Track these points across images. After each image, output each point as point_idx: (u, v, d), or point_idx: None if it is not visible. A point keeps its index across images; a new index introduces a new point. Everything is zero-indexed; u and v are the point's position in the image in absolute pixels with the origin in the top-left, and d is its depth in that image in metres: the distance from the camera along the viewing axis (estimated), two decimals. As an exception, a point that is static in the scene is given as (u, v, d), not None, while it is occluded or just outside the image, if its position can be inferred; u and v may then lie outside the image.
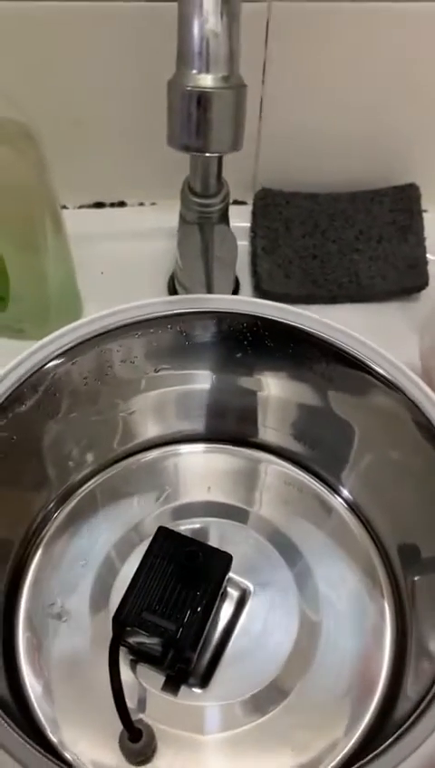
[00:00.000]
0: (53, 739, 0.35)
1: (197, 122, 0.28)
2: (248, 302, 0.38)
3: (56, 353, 0.35)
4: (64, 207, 0.55)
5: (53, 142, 0.42)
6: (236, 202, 0.56)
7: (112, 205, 0.56)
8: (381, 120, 0.53)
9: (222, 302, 0.37)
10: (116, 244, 0.54)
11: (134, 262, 0.54)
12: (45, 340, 0.35)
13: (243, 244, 0.54)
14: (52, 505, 0.41)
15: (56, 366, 0.35)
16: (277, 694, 0.37)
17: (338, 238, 0.54)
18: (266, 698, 0.37)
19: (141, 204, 0.57)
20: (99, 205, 0.56)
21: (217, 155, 0.30)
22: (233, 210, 0.48)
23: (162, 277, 0.53)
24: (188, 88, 0.27)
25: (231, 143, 0.30)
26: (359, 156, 0.55)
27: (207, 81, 0.27)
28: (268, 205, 0.55)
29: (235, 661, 0.38)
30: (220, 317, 0.37)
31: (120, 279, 0.53)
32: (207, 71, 0.27)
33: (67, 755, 0.34)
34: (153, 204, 0.57)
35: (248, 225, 0.55)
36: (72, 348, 0.35)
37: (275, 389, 0.41)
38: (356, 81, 0.50)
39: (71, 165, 0.51)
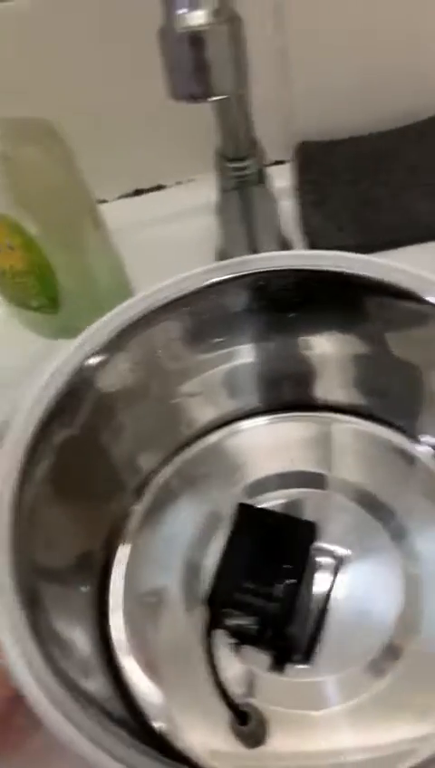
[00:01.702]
0: (162, 729, 0.34)
1: (194, 66, 0.26)
2: (292, 256, 0.35)
3: (95, 349, 0.34)
4: (104, 201, 0.55)
5: (82, 138, 0.41)
6: (276, 162, 0.54)
7: (151, 189, 0.55)
8: (422, 46, 0.49)
9: (264, 260, 0.35)
10: (160, 228, 0.53)
11: (180, 243, 0.52)
12: (81, 338, 0.34)
13: (289, 204, 0.52)
14: (129, 502, 0.41)
15: (97, 363, 0.34)
16: (389, 659, 0.35)
17: (388, 180, 0.50)
18: (377, 665, 0.35)
19: (179, 183, 0.55)
20: (138, 192, 0.55)
21: (223, 97, 0.28)
22: (273, 171, 0.46)
23: (209, 254, 0.52)
24: (179, 31, 0.26)
25: (235, 82, 0.28)
26: (401, 88, 0.51)
27: (196, 18, 0.25)
28: (310, 158, 0.52)
29: (338, 631, 0.36)
30: (265, 277, 0.36)
31: (170, 263, 0.51)
32: (196, 7, 0.25)
33: (178, 744, 0.34)
34: (191, 180, 0.55)
35: (291, 183, 0.52)
36: (110, 341, 0.34)
37: (329, 346, 0.39)
38: (389, 6, 0.46)
39: (103, 158, 0.51)
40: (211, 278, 0.35)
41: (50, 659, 0.27)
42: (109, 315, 0.35)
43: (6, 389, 0.47)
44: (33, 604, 0.28)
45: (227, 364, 0.39)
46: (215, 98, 0.28)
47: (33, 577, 0.30)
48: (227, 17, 0.26)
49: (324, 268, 0.34)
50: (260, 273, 0.35)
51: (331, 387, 0.41)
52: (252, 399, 0.42)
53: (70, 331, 0.49)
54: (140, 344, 0.35)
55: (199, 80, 0.27)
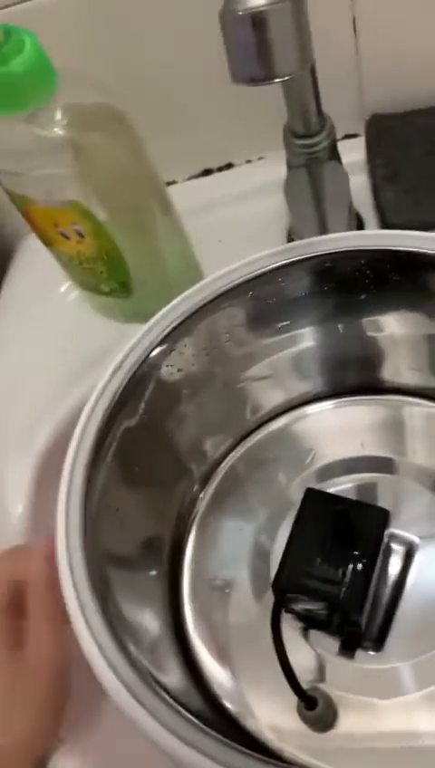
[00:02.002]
0: (233, 710, 0.35)
1: (256, 48, 0.26)
2: (359, 236, 0.34)
3: (161, 336, 0.34)
4: (173, 182, 0.55)
5: (149, 119, 0.41)
6: (347, 136, 0.53)
7: (220, 169, 0.55)
8: None
9: (331, 241, 0.35)
10: (230, 208, 0.53)
11: (250, 223, 0.52)
12: (147, 325, 0.34)
13: (362, 179, 0.50)
14: (196, 488, 0.41)
15: (163, 350, 0.34)
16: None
17: (467, 150, 0.48)
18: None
19: (248, 161, 0.55)
20: (207, 172, 0.55)
21: (287, 78, 0.27)
22: (345, 145, 0.45)
23: (280, 233, 0.51)
24: (240, 12, 0.25)
25: (299, 61, 0.27)
26: None
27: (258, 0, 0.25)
28: (382, 130, 0.50)
29: (410, 619, 0.35)
30: (332, 259, 0.35)
31: (239, 243, 0.51)
32: (257, -14, 0.25)
33: (247, 725, 0.34)
34: (261, 158, 0.54)
35: (363, 157, 0.51)
36: (176, 328, 0.34)
37: (398, 327, 0.37)
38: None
39: (172, 138, 0.51)
40: (277, 261, 0.34)
41: (120, 644, 0.27)
42: (174, 302, 0.35)
43: (79, 374, 0.49)
44: (103, 587, 0.29)
45: (292, 348, 0.39)
46: (278, 80, 0.27)
47: (103, 561, 0.30)
48: None
49: (392, 247, 0.33)
50: (327, 254, 0.34)
51: (400, 369, 0.40)
52: (319, 383, 0.41)
53: (141, 316, 0.50)
54: (206, 330, 0.35)
55: (262, 62, 0.26)
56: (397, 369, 0.40)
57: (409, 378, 0.40)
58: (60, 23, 0.44)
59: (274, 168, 0.51)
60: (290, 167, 0.46)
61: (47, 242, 0.46)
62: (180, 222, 0.48)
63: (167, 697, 0.27)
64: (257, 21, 0.25)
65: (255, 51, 0.26)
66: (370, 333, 0.38)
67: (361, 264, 0.34)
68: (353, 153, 0.51)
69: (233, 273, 0.34)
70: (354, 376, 0.41)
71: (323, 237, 0.34)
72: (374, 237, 0.34)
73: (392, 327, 0.37)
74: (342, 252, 0.34)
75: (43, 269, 0.53)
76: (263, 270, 0.34)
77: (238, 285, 0.35)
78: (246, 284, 0.34)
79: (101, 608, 0.27)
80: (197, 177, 0.55)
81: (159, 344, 0.34)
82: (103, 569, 0.30)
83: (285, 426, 0.42)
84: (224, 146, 0.54)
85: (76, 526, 0.30)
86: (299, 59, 0.27)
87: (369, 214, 0.49)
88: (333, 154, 0.45)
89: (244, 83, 0.27)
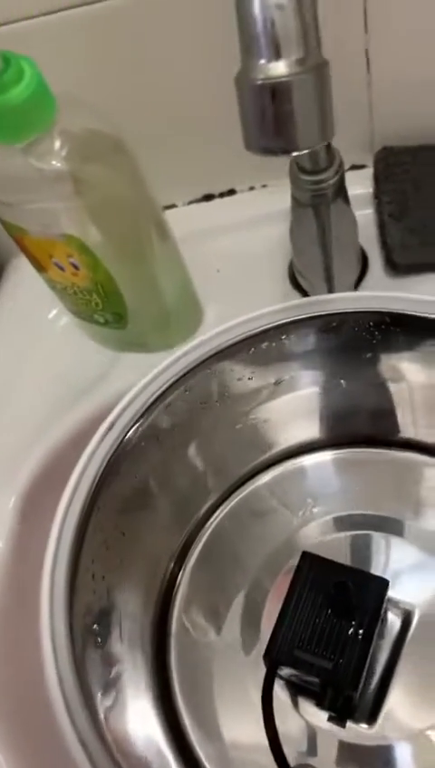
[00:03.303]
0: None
1: (275, 120, 0.24)
2: (371, 297, 0.33)
3: (169, 382, 0.32)
4: (173, 206, 0.53)
5: (150, 140, 0.39)
6: (354, 167, 0.51)
7: (222, 195, 0.53)
8: None
9: (342, 301, 0.33)
10: (230, 236, 0.51)
11: (251, 252, 0.50)
12: (158, 369, 0.33)
13: (367, 213, 0.49)
14: (185, 539, 0.39)
15: (170, 396, 0.32)
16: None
17: None
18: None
19: (252, 188, 0.53)
20: (208, 197, 0.53)
21: (305, 152, 0.25)
22: (351, 176, 0.43)
23: (281, 265, 0.49)
24: (259, 81, 0.23)
25: (320, 134, 0.26)
26: None
27: (279, 69, 0.23)
28: (391, 164, 0.49)
29: (405, 691, 0.34)
30: (342, 318, 0.33)
31: (238, 274, 0.50)
32: (278, 56, 0.23)
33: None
34: (264, 186, 0.53)
35: (371, 191, 0.49)
36: (183, 375, 0.32)
37: (412, 379, 0.36)
38: None
39: (173, 162, 0.49)
40: (283, 318, 0.33)
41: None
42: (172, 357, 0.33)
43: (68, 403, 0.47)
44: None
45: (290, 398, 0.37)
46: (296, 153, 0.25)
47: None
48: (314, 65, 0.23)
49: (407, 312, 0.32)
50: (334, 314, 0.33)
51: (415, 423, 0.38)
52: (327, 431, 0.40)
53: (136, 346, 0.49)
54: (203, 385, 0.34)
55: (280, 135, 0.24)
56: (409, 422, 0.38)
57: (420, 433, 0.38)
58: (55, 43, 0.42)
59: (277, 197, 0.49)
60: (295, 201, 0.44)
61: (40, 269, 0.44)
62: (178, 251, 0.46)
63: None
64: (278, 92, 0.23)
65: (273, 123, 0.24)
66: (380, 384, 0.37)
67: (369, 325, 0.33)
68: (360, 185, 0.49)
69: (235, 329, 0.33)
70: (363, 426, 0.39)
71: (330, 297, 0.33)
72: (387, 300, 0.32)
73: (407, 379, 0.36)
74: (349, 312, 0.33)
75: (33, 291, 0.51)
76: (266, 326, 0.33)
77: (240, 342, 0.33)
78: (248, 340, 0.33)
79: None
80: (197, 201, 0.53)
81: (154, 403, 0.32)
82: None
83: (280, 475, 0.40)
84: (227, 171, 0.52)
85: (61, 599, 0.29)
86: (320, 132, 0.26)
87: (374, 251, 0.48)
88: (341, 190, 0.43)
89: (256, 153, 0.26)
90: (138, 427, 0.32)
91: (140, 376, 0.47)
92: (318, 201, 0.42)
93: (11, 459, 0.46)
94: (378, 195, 0.48)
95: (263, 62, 0.23)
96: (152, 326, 0.47)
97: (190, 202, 0.53)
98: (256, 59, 0.23)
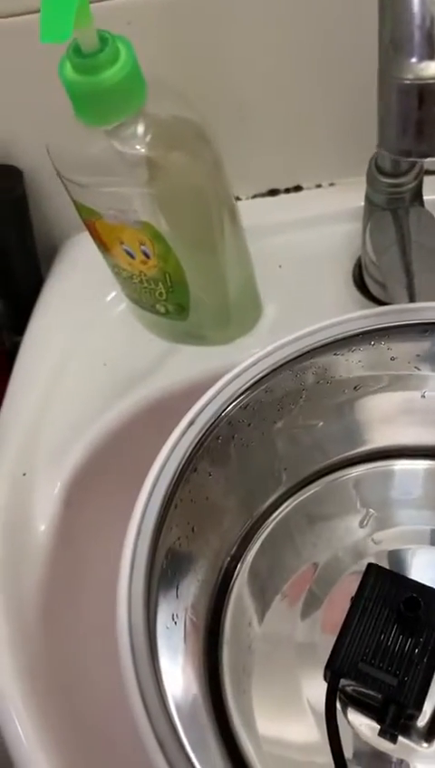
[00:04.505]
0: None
1: (420, 122, 0.23)
2: None
3: (247, 384, 0.31)
4: (238, 199, 0.52)
5: (221, 132, 0.38)
6: (428, 172, 0.50)
7: (287, 190, 0.52)
8: None
9: (429, 310, 0.32)
10: (294, 233, 0.50)
11: (314, 251, 0.49)
12: (237, 369, 0.32)
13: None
14: (247, 530, 0.39)
15: (247, 397, 0.32)
16: None
17: None
18: None
19: (319, 186, 0.52)
20: (273, 192, 0.52)
21: None
22: (426, 181, 0.42)
23: (345, 266, 0.48)
24: (407, 81, 0.22)
25: None
26: None
27: (431, 70, 0.22)
28: (468, 171, 0.48)
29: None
30: (430, 327, 0.32)
31: (301, 272, 0.49)
32: (432, 57, 0.22)
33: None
34: (332, 184, 0.51)
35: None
36: (264, 377, 0.31)
37: None
38: None
39: (241, 154, 0.48)
40: (369, 325, 0.32)
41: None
42: (260, 354, 0.32)
43: (119, 392, 0.47)
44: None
45: (386, 393, 0.36)
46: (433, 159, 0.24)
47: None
48: None
49: None
50: (424, 323, 0.32)
51: None
52: (415, 438, 0.39)
53: (193, 338, 0.48)
54: (292, 379, 0.33)
55: (422, 138, 0.23)
56: None
57: None
58: (140, 25, 0.41)
59: (345, 196, 0.49)
60: (369, 203, 0.43)
61: (107, 255, 0.43)
62: (247, 245, 0.45)
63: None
64: (428, 94, 0.22)
65: (417, 126, 0.23)
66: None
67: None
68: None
69: (317, 334, 0.32)
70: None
71: (415, 306, 0.32)
72: None
73: None
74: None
75: (90, 273, 0.50)
76: (354, 332, 0.32)
77: (324, 345, 0.32)
78: (333, 344, 0.32)
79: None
80: (262, 196, 0.52)
81: (235, 399, 0.32)
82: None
83: (361, 476, 0.39)
84: (294, 167, 0.51)
85: (139, 590, 0.28)
86: None
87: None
88: (417, 195, 0.42)
89: (393, 155, 0.25)
90: (217, 424, 0.31)
91: (194, 369, 0.46)
92: (395, 205, 0.42)
93: (59, 445, 0.45)
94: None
95: (414, 60, 0.22)
96: (213, 319, 0.46)
97: (255, 196, 0.52)
98: (407, 57, 0.22)
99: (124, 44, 0.33)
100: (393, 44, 0.22)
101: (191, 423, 0.30)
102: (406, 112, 0.23)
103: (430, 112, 0.22)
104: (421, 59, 0.21)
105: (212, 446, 0.32)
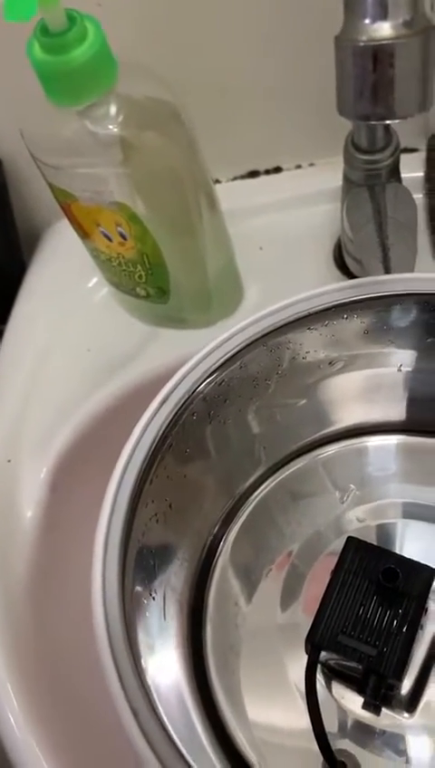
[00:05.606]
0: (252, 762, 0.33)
1: (375, 84, 0.23)
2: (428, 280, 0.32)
3: (221, 360, 0.31)
4: (217, 182, 0.52)
5: (200, 114, 0.38)
6: (406, 150, 0.50)
7: (267, 171, 0.52)
8: None
9: (401, 281, 0.32)
10: (274, 214, 0.50)
11: (294, 232, 0.49)
12: (211, 346, 0.32)
13: (416, 198, 0.48)
14: (229, 510, 0.39)
15: (222, 373, 0.32)
16: None
17: None
18: None
19: (298, 166, 0.52)
20: (253, 174, 0.52)
21: (403, 119, 0.24)
22: (402, 159, 0.42)
23: (325, 246, 0.48)
24: (362, 43, 0.22)
25: (419, 103, 0.25)
26: None
27: (384, 30, 0.22)
28: (444, 150, 0.48)
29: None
30: (403, 299, 0.32)
31: (281, 253, 0.49)
32: (384, 17, 0.22)
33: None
34: (311, 165, 0.51)
35: (422, 174, 0.48)
36: (237, 352, 0.31)
37: None
38: None
39: (220, 136, 0.47)
40: (347, 297, 0.32)
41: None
42: (230, 331, 0.32)
43: (103, 376, 0.47)
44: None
45: (363, 371, 0.36)
46: (391, 122, 0.24)
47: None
48: (420, 28, 0.22)
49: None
50: (396, 295, 0.32)
51: None
52: (391, 413, 0.39)
53: (174, 321, 0.48)
54: (267, 355, 0.33)
55: (379, 101, 0.23)
56: None
57: None
58: (111, 7, 0.41)
59: (324, 176, 0.49)
60: (347, 181, 0.43)
61: (85, 238, 0.43)
62: (226, 226, 0.45)
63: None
64: (382, 55, 0.22)
65: (372, 88, 0.23)
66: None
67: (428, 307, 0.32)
68: (410, 169, 0.48)
69: (293, 306, 0.32)
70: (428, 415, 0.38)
71: (388, 277, 0.32)
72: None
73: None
74: (410, 294, 0.32)
75: (72, 260, 0.50)
76: (327, 305, 0.32)
77: (299, 319, 0.32)
78: (306, 318, 0.32)
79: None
80: (242, 177, 0.52)
81: (210, 375, 0.32)
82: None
83: (336, 454, 0.39)
84: (274, 148, 0.51)
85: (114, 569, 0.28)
86: (420, 101, 0.24)
87: (423, 236, 0.47)
88: (395, 172, 0.42)
89: (352, 119, 0.25)
90: (191, 401, 0.31)
91: (177, 352, 0.46)
92: (372, 182, 0.41)
93: (44, 431, 0.45)
94: (429, 179, 0.47)
95: (367, 21, 0.22)
96: (193, 302, 0.46)
97: (235, 178, 0.52)
98: (360, 18, 0.22)
99: (92, 23, 0.33)
100: (347, 6, 0.22)
101: (165, 399, 0.30)
102: (361, 75, 0.23)
103: (384, 74, 0.22)
104: (374, 20, 0.21)
105: (188, 423, 0.32)
